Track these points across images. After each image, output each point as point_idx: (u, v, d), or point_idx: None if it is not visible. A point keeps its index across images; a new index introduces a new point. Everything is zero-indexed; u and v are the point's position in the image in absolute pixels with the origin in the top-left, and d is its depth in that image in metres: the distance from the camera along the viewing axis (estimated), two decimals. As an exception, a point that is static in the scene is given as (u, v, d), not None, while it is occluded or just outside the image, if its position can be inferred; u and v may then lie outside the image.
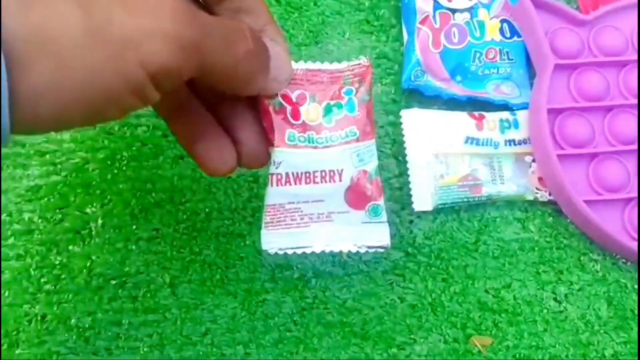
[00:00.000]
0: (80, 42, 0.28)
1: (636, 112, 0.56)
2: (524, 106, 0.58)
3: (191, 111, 0.41)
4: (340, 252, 0.47)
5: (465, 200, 0.55)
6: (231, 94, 0.40)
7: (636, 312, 0.55)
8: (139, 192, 0.55)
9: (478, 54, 0.58)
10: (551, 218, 0.58)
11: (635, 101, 0.57)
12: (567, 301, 0.55)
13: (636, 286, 0.56)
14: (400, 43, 0.61)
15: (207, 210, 0.55)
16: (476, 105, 0.59)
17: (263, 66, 0.39)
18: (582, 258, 0.56)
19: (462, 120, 0.57)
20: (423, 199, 0.55)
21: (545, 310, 0.55)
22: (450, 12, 0.58)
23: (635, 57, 0.58)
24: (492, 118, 0.58)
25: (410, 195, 0.56)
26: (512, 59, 0.59)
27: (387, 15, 0.62)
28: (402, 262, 0.56)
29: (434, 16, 0.57)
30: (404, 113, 0.58)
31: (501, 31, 0.59)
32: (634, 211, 0.54)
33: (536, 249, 0.57)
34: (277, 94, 0.43)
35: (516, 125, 0.57)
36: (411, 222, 0.56)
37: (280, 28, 0.41)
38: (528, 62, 0.59)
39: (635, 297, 0.55)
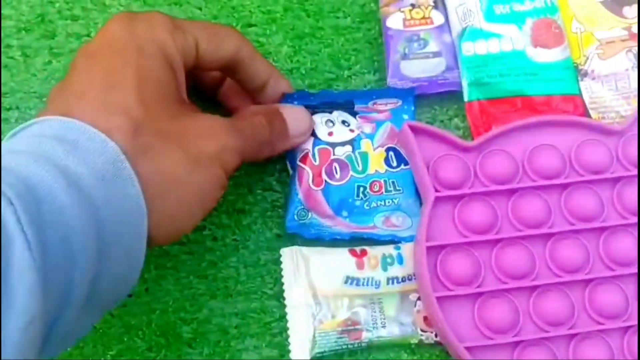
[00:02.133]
0: (186, 173, 0.42)
1: (527, 245, 0.53)
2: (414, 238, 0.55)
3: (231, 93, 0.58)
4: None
5: (345, 347, 0.52)
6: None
7: None
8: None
9: (362, 188, 0.56)
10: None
11: (528, 232, 0.54)
12: None
13: None
14: (287, 174, 0.58)
15: None
16: (363, 242, 0.55)
17: (282, 134, 0.52)
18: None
19: (342, 259, 0.55)
20: (301, 347, 0.53)
21: None
22: (330, 147, 0.55)
23: (526, 183, 0.55)
24: (374, 254, 0.55)
25: (289, 343, 0.54)
26: (399, 189, 0.56)
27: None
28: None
29: (313, 153, 0.55)
30: (283, 251, 0.55)
31: (387, 161, 0.57)
32: (523, 355, 0.50)
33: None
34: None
35: (400, 260, 0.54)
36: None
37: (282, 75, 0.56)
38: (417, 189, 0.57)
39: None
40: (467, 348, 0.51)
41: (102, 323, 0.54)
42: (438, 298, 0.51)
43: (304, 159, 0.55)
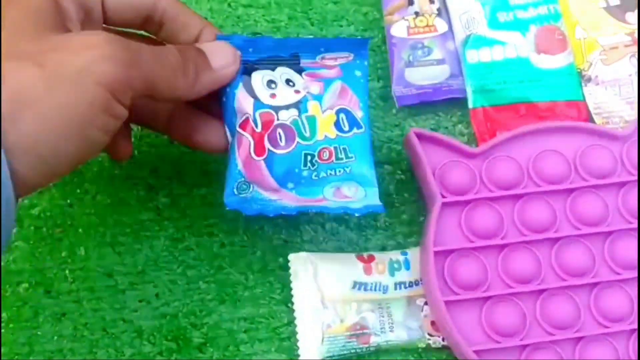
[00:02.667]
0: (45, 89, 0.35)
1: (533, 249, 0.54)
2: (369, 210, 0.49)
3: (182, 116, 0.49)
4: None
5: (353, 351, 0.52)
6: (194, 99, 0.46)
7: None
8: (17, 355, 0.53)
9: (309, 157, 0.50)
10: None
11: (533, 237, 0.54)
12: None
13: None
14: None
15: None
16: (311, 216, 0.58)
17: (200, 64, 0.45)
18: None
19: (350, 264, 0.56)
20: (310, 351, 0.53)
21: None
22: (273, 111, 0.48)
23: (531, 189, 0.56)
24: (382, 259, 0.56)
25: (298, 347, 0.55)
26: (351, 156, 0.50)
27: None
28: None
29: (254, 118, 0.48)
30: (292, 257, 0.57)
31: (337, 125, 0.50)
32: (531, 357, 0.51)
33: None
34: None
35: (407, 265, 0.55)
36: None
37: (216, 28, 0.49)
38: (373, 154, 0.52)
39: None
40: (475, 351, 0.51)
41: (113, 327, 0.55)
42: (446, 302, 0.52)
43: (244, 124, 0.48)
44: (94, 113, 0.37)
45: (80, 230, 0.59)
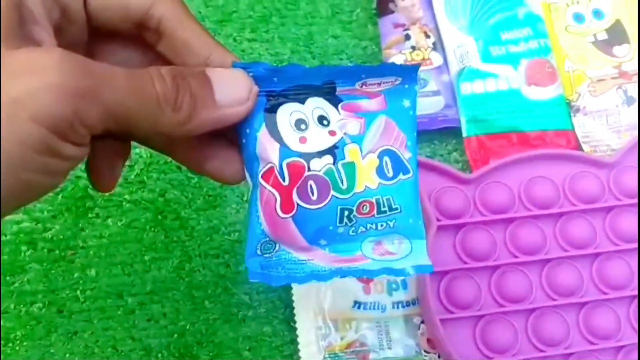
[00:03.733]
0: None
1: (524, 270, 0.57)
2: (418, 271, 0.41)
3: (189, 139, 0.39)
4: None
5: (353, 367, 0.55)
6: (185, 136, 0.38)
7: None
8: (30, 373, 0.56)
9: (346, 212, 0.40)
10: (443, 379, 0.57)
11: (524, 259, 0.58)
12: None
13: None
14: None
15: (94, 387, 0.56)
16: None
17: (201, 97, 0.35)
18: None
19: (350, 284, 0.59)
20: (312, 369, 0.56)
21: None
22: (303, 160, 0.39)
23: (522, 213, 0.59)
24: (380, 279, 0.59)
25: (300, 364, 0.56)
26: (396, 207, 0.41)
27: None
28: None
29: (281, 168, 0.39)
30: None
31: (380, 171, 0.40)
32: (522, 373, 0.54)
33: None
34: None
35: (405, 286, 0.58)
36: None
37: (230, 52, 0.38)
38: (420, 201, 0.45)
39: None
40: (470, 367, 0.54)
41: (123, 345, 0.58)
42: (441, 320, 0.55)
43: (267, 175, 0.39)
44: (26, 154, 0.30)
45: (91, 252, 0.62)
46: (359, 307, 0.58)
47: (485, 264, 0.58)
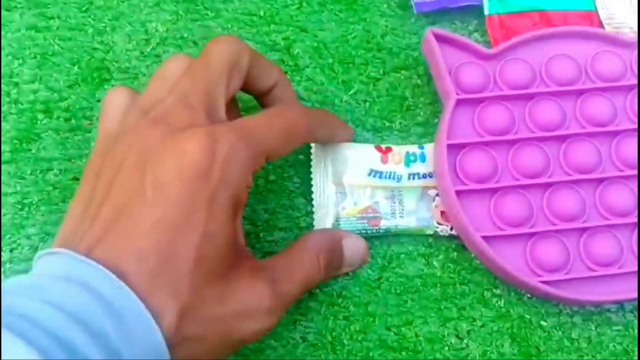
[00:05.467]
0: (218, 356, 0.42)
1: (542, 146, 0.58)
2: None
3: None
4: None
5: (364, 231, 0.58)
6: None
7: (541, 348, 0.57)
8: (46, 236, 0.59)
9: None
10: (455, 253, 0.60)
11: (542, 134, 0.58)
12: (469, 338, 0.57)
13: (542, 322, 0.58)
14: (313, 82, 0.64)
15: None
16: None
17: (336, 270, 0.56)
18: (485, 294, 0.58)
19: (368, 154, 0.60)
20: (323, 225, 0.59)
21: (446, 348, 0.57)
22: None
23: (542, 89, 0.60)
24: (399, 151, 0.61)
25: (313, 226, 0.59)
26: None
27: (302, 55, 0.65)
28: (305, 301, 0.58)
29: None
30: (315, 146, 0.60)
31: None
32: (535, 246, 0.56)
33: (439, 285, 0.59)
34: None
35: (423, 158, 0.61)
36: (315, 260, 0.58)
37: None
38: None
39: (540, 333, 0.57)
40: (484, 237, 0.56)
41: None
42: (457, 192, 0.57)
43: None
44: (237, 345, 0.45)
45: None
46: (374, 176, 0.60)
47: (502, 138, 0.59)
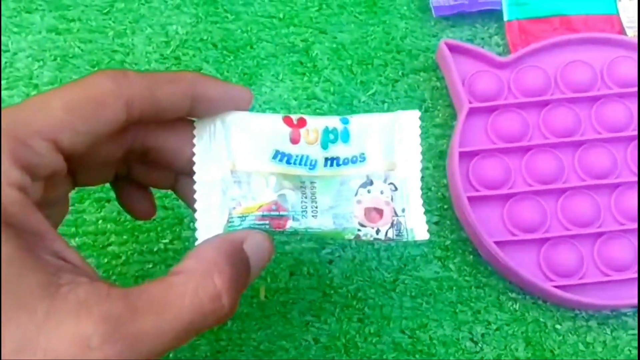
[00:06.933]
0: None
1: (556, 152, 0.61)
2: None
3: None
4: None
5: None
6: None
7: (555, 352, 0.60)
8: (63, 236, 0.62)
9: None
10: (472, 256, 0.62)
11: (556, 140, 0.61)
12: (484, 341, 0.59)
13: (557, 326, 0.60)
14: (331, 83, 0.67)
15: (128, 253, 0.62)
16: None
17: (244, 288, 0.39)
18: (500, 297, 0.61)
19: (273, 127, 0.45)
20: (210, 233, 0.42)
21: (460, 351, 0.59)
22: None
23: (557, 96, 0.63)
24: (315, 126, 0.45)
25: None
26: None
27: (321, 56, 0.68)
28: (319, 303, 0.61)
29: None
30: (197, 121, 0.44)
31: None
32: (549, 252, 0.59)
33: (454, 288, 0.61)
34: None
35: (345, 137, 0.46)
36: (330, 262, 0.61)
37: None
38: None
39: (555, 337, 0.60)
40: (496, 243, 0.59)
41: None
42: (469, 198, 0.60)
43: None
44: None
45: None
46: (281, 159, 0.45)
47: (516, 145, 0.62)
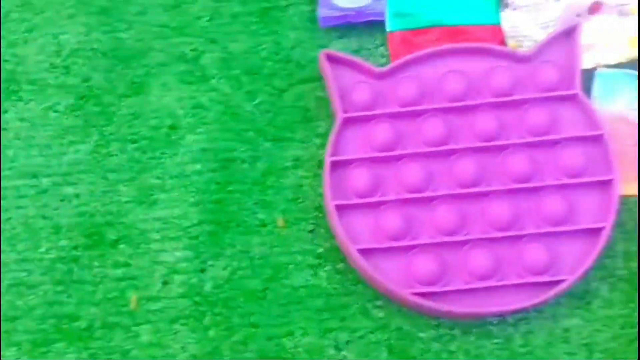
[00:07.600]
0: None
1: (427, 161, 0.63)
2: None
3: None
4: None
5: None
6: None
7: (418, 359, 0.60)
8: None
9: None
10: (342, 264, 0.63)
11: (427, 150, 0.63)
12: (347, 349, 0.61)
13: (420, 334, 0.61)
14: (217, 92, 0.68)
15: None
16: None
17: None
18: (366, 305, 0.62)
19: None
20: None
21: (324, 359, 0.60)
22: None
23: (431, 105, 0.65)
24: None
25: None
26: None
27: (209, 66, 0.70)
28: (189, 312, 0.62)
29: None
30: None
31: None
32: (414, 259, 0.60)
33: (323, 295, 0.62)
34: None
35: None
36: (202, 270, 0.62)
37: None
38: None
39: (418, 345, 0.61)
40: (364, 250, 0.60)
41: (34, 223, 0.66)
42: (338, 206, 0.61)
43: None
44: None
45: (11, 134, 0.70)
46: None
47: (387, 154, 0.64)
